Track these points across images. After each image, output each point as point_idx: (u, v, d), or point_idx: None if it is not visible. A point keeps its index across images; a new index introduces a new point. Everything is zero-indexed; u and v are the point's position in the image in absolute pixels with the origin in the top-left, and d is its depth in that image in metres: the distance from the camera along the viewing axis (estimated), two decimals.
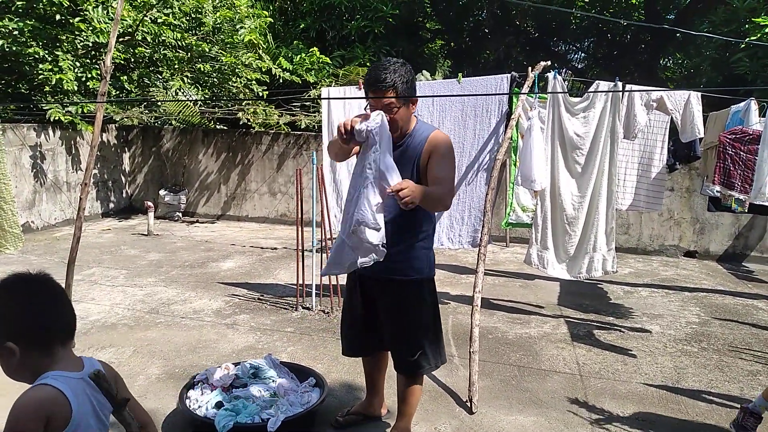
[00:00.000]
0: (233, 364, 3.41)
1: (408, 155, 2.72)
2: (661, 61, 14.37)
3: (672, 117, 4.86)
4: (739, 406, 3.32)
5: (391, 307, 2.83)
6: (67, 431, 1.43)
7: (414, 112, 2.81)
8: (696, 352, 4.45)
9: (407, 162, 2.71)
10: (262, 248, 7.57)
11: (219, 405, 3.01)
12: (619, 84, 4.65)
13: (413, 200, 2.35)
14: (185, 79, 9.13)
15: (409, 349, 2.83)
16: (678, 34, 11.51)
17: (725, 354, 4.42)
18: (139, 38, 8.29)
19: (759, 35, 7.87)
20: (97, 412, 1.54)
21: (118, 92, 9.04)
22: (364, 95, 2.81)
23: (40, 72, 7.52)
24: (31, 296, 1.51)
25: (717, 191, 5.02)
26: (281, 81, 9.73)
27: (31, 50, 7.48)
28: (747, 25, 8.55)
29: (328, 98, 5.10)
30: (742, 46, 8.20)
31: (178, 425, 3.14)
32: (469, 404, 3.41)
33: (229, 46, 9.32)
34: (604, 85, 4.79)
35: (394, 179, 2.42)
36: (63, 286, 4.37)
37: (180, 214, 9.52)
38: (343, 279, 3.34)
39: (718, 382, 3.92)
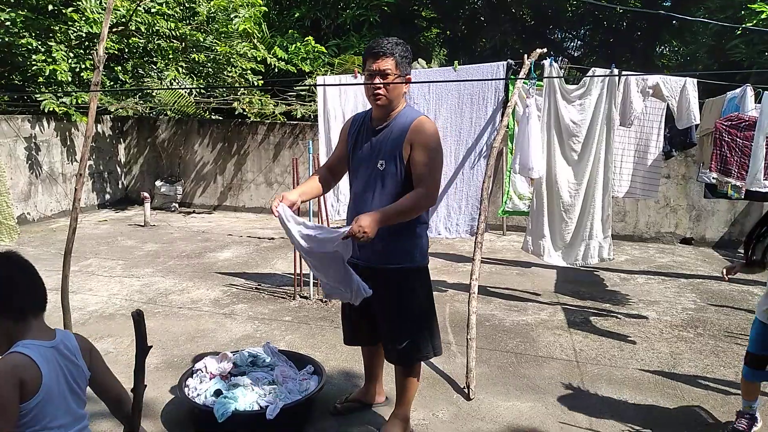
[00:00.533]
0: (231, 352, 3.41)
1: (389, 141, 2.69)
2: (657, 49, 14.36)
3: (668, 104, 4.85)
4: (733, 390, 3.35)
5: (382, 296, 2.78)
6: (39, 396, 1.54)
7: (405, 95, 2.80)
8: (692, 337, 4.47)
9: (388, 149, 2.68)
10: (259, 238, 7.57)
11: (218, 393, 3.02)
12: (615, 70, 4.63)
13: (370, 234, 2.42)
14: (180, 69, 9.09)
15: (398, 339, 2.80)
16: (674, 21, 11.49)
17: (721, 339, 4.45)
18: (133, 28, 8.24)
19: (755, 21, 7.86)
20: (70, 381, 1.63)
21: (112, 83, 8.99)
22: (358, 81, 2.81)
23: (33, 63, 7.47)
24: (5, 270, 1.63)
25: (714, 178, 5.03)
26: (276, 70, 9.69)
27: (24, 41, 7.43)
28: (743, 11, 8.53)
29: (324, 84, 5.08)
30: (738, 32, 8.19)
31: (177, 413, 3.15)
32: (466, 391, 3.43)
33: (223, 35, 9.27)
34: (600, 72, 4.78)
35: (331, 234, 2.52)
36: (61, 277, 4.34)
37: (176, 205, 9.50)
38: None
39: (714, 367, 3.95)
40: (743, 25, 7.66)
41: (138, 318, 1.53)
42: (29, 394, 1.52)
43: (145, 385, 1.65)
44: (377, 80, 2.64)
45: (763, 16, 7.87)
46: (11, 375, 1.50)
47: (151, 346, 1.58)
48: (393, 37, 2.75)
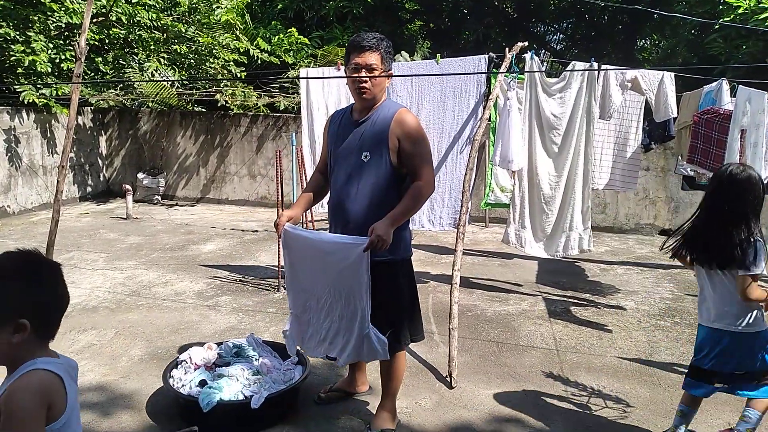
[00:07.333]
0: (216, 343, 3.43)
1: (373, 133, 2.74)
2: (639, 43, 14.49)
3: (646, 97, 4.94)
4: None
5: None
6: (63, 418, 1.39)
7: (387, 89, 2.87)
8: (669, 326, 4.57)
9: (373, 141, 2.74)
10: (242, 231, 7.56)
11: (202, 383, 3.05)
12: (595, 64, 4.70)
13: (388, 242, 2.53)
14: (162, 60, 9.01)
15: (381, 330, 2.73)
16: (655, 15, 11.61)
17: (696, 328, 4.54)
18: (114, 19, 8.15)
19: (732, 16, 7.98)
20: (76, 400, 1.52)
21: (92, 74, 8.89)
22: (341, 74, 2.84)
23: (12, 53, 7.37)
24: (52, 277, 1.44)
25: (690, 170, 5.14)
26: (259, 62, 9.64)
27: (1, 31, 7.32)
28: (721, 6, 8.66)
29: (307, 77, 5.09)
30: (716, 27, 8.31)
31: (162, 404, 3.17)
32: (449, 379, 3.49)
33: (205, 26, 9.20)
34: (580, 65, 4.85)
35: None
36: None
37: (159, 198, 9.44)
38: None
39: (690, 354, 4.00)
40: (720, 20, 7.77)
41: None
42: (55, 416, 1.36)
43: None
44: (363, 73, 2.70)
45: (740, 11, 7.99)
46: (43, 396, 1.33)
47: None
48: (376, 32, 2.83)
